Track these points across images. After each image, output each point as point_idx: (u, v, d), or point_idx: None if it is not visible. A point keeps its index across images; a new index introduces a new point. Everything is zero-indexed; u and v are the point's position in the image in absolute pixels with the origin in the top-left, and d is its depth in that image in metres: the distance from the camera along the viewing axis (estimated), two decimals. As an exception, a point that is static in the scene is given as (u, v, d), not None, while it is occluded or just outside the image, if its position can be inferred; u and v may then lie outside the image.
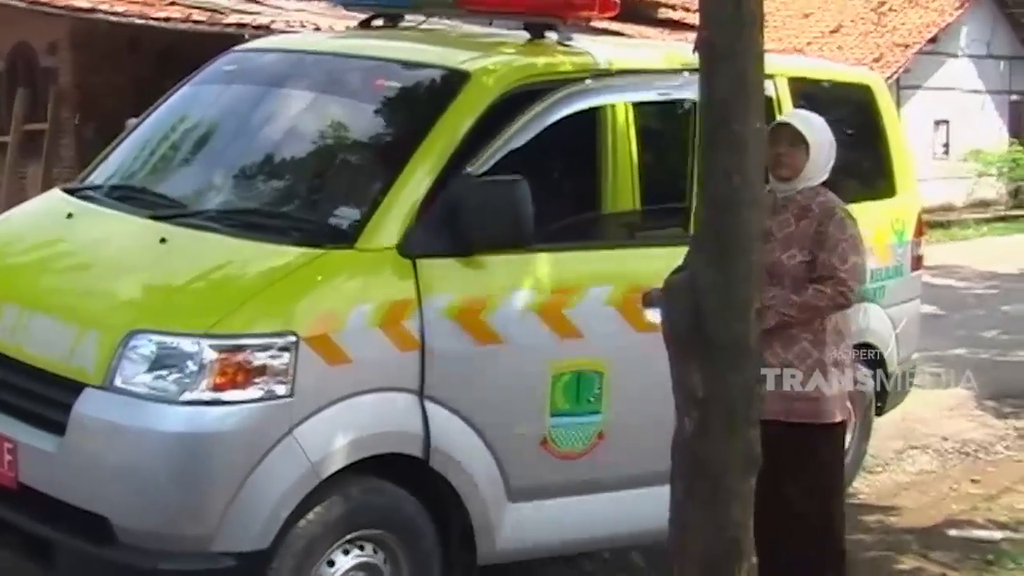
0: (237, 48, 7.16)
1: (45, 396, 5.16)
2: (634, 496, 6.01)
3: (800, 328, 5.71)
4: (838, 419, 5.79)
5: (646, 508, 5.81)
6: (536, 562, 6.55)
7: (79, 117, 20.05)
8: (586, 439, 5.81)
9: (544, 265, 5.70)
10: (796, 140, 5.73)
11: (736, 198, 4.66)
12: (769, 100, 6.45)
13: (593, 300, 5.82)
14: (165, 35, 18.61)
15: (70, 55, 20.61)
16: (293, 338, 4.92)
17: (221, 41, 15.18)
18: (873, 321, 7.67)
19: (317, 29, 16.28)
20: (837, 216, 5.77)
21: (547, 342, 5.67)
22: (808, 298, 5.65)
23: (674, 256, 5.10)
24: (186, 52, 16.91)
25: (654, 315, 5.47)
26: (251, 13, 18.36)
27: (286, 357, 4.90)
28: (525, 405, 5.65)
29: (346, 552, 5.25)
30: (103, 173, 6.49)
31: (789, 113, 6.22)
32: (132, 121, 6.84)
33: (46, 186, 19.37)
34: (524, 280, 5.63)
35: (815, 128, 5.81)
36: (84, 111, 20.03)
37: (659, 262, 5.37)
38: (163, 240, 5.44)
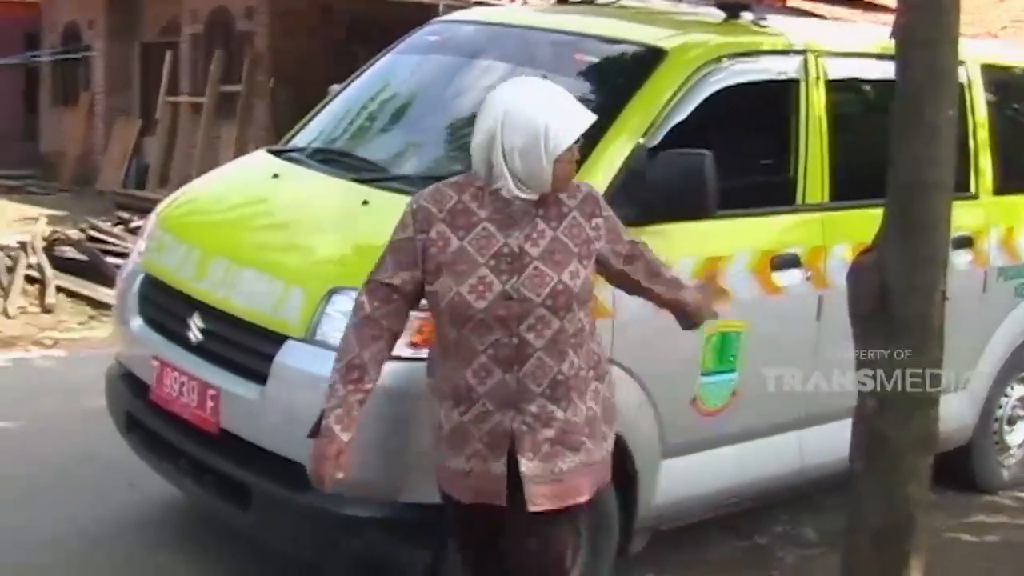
0: (439, 19, 7.36)
1: (249, 347, 5.37)
2: (758, 446, 6.23)
3: (587, 361, 4.44)
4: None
5: (768, 457, 6.28)
6: (711, 536, 6.72)
7: (273, 80, 20.49)
8: (725, 397, 5.95)
9: (709, 231, 5.80)
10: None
11: (926, 181, 4.75)
12: (961, 86, 6.49)
13: (739, 265, 5.93)
14: (359, 3, 18.91)
15: (267, 20, 21.09)
16: (489, 300, 5.06)
17: (412, 11, 15.48)
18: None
19: (512, 1, 16.42)
20: (601, 198, 4.53)
21: None
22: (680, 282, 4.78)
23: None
24: (377, 20, 17.24)
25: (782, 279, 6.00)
26: (445, -17, 18.55)
27: (481, 318, 5.04)
28: (684, 366, 5.79)
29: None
30: (307, 136, 6.73)
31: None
32: (335, 87, 7.05)
33: (239, 147, 19.89)
34: (693, 246, 5.75)
35: None
36: (278, 75, 20.49)
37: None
38: (365, 202, 5.61)
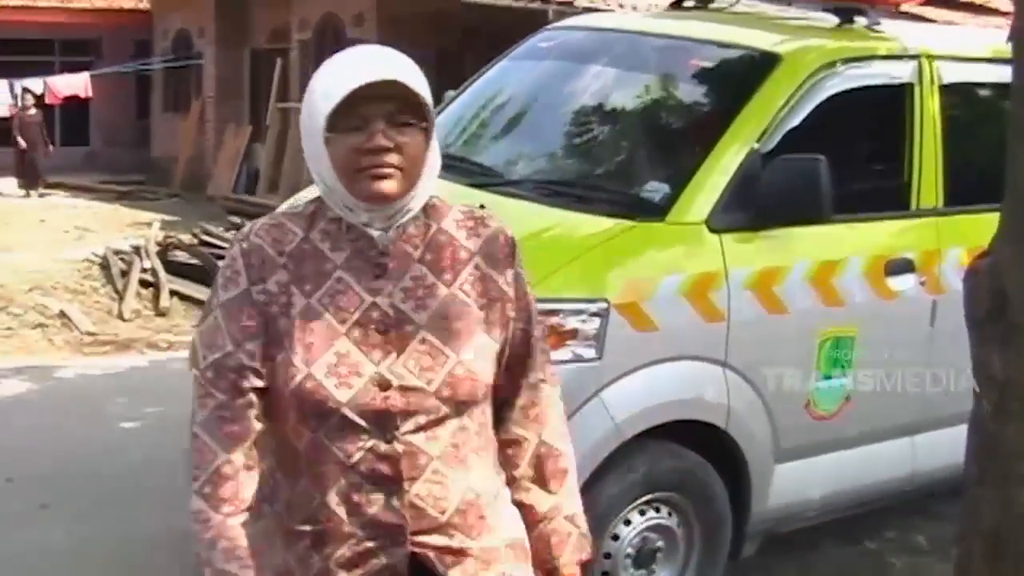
0: (553, 26, 7.42)
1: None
2: (870, 451, 6.18)
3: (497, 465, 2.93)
4: None
5: (881, 462, 6.23)
6: (822, 541, 6.72)
7: (382, 88, 20.66)
8: (838, 401, 5.91)
9: (823, 236, 5.81)
10: (409, 109, 2.66)
11: (1044, 185, 4.73)
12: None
13: (853, 269, 5.91)
14: (469, 10, 19.01)
15: (376, 27, 21.25)
16: (604, 304, 5.10)
17: (522, 17, 15.56)
18: None
19: (621, 6, 16.46)
20: (515, 241, 2.98)
21: (818, 309, 5.78)
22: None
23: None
24: (486, 27, 17.33)
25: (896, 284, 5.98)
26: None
27: (597, 322, 5.07)
28: (799, 371, 5.77)
29: (642, 513, 5.43)
30: (422, 142, 6.76)
31: (362, 51, 2.74)
32: (451, 93, 7.13)
33: (348, 153, 20.07)
34: (807, 251, 5.75)
35: (421, 78, 2.71)
36: (387, 82, 20.64)
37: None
38: (481, 207, 5.66)
